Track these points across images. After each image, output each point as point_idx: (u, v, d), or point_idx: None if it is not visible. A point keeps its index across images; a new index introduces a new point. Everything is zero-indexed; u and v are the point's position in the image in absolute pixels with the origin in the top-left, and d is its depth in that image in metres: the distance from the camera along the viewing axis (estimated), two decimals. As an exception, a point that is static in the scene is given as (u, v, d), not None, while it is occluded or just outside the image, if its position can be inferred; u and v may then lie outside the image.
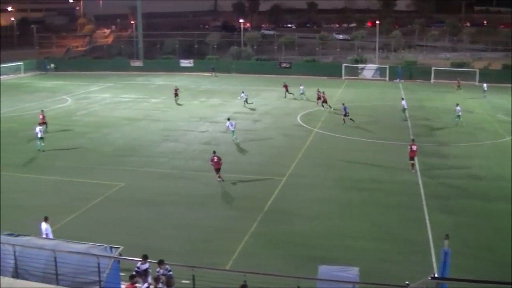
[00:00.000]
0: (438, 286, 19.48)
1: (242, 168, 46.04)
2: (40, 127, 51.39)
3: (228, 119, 56.92)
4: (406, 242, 31.76)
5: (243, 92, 75.41)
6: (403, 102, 67.79)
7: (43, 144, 50.77)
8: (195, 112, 70.41)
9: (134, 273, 22.55)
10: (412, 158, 45.86)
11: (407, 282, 19.45)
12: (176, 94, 77.39)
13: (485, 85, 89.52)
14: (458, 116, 64.66)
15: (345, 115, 63.60)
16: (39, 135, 50.69)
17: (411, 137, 52.45)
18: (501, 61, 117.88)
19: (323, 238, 31.99)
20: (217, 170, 42.59)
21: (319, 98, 73.88)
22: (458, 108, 64.88)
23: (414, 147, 45.86)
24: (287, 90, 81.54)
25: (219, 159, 42.66)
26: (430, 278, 18.18)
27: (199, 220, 34.47)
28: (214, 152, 43.58)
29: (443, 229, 28.11)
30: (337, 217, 35.49)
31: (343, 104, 66.17)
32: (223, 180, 42.37)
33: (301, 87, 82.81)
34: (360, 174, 44.54)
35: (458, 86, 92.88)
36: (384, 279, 24.00)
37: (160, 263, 22.73)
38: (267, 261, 28.59)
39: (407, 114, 66.94)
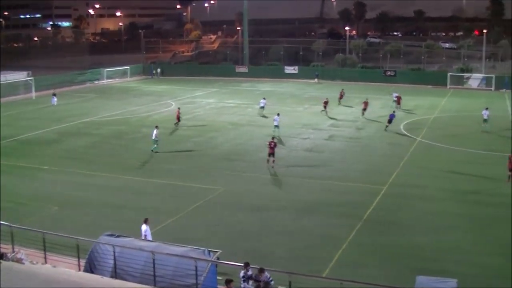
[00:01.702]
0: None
1: (343, 175, 46.06)
2: (157, 130, 52.35)
3: (278, 114, 61.15)
4: (505, 254, 30.69)
5: (264, 98, 75.63)
6: (484, 112, 65.58)
7: (156, 146, 51.89)
8: (299, 119, 70.62)
9: (229, 278, 22.68)
10: (511, 170, 44.50)
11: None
12: (325, 106, 75.03)
13: None
14: (485, 120, 63.90)
15: (389, 122, 64.17)
16: (153, 137, 52.02)
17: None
18: None
19: (420, 249, 31.64)
20: (271, 154, 47.61)
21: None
22: (485, 112, 64.32)
23: (513, 159, 44.56)
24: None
25: (275, 144, 48.05)
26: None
27: (298, 227, 34.62)
28: (273, 138, 49.93)
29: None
30: (439, 229, 34.94)
31: (393, 112, 68.03)
32: (272, 167, 47.15)
33: (394, 94, 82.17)
34: (464, 186, 43.71)
35: None
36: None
37: (261, 271, 22.75)
38: (365, 270, 28.48)
39: (487, 125, 64.82)
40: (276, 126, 60.08)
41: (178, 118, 64.52)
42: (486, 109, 65.68)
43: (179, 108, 66.94)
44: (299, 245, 31.77)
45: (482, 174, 46.87)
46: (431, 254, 30.79)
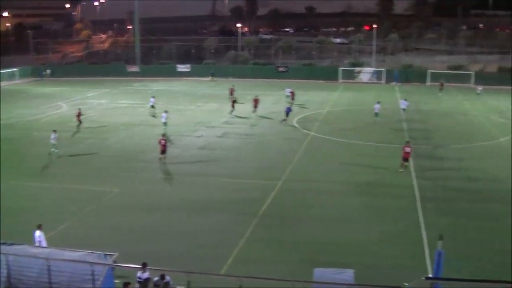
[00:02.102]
0: (432, 286, 19.52)
1: (238, 172, 46.08)
2: (55, 134, 51.18)
3: (165, 111, 62.46)
4: (402, 244, 31.88)
5: (153, 97, 74.93)
6: (376, 106, 67.87)
7: (54, 150, 50.81)
8: (192, 117, 70.42)
9: (127, 281, 22.55)
10: (405, 160, 46.07)
11: (405, 284, 19.52)
12: (232, 105, 73.35)
13: (480, 88, 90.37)
14: (376, 114, 67.24)
15: (287, 115, 66.07)
16: (52, 141, 50.80)
17: (406, 139, 52.48)
18: (497, 63, 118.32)
19: (318, 242, 31.98)
20: (163, 151, 48.63)
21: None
22: (377, 106, 67.38)
23: (408, 149, 46.12)
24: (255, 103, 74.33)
25: (166, 141, 49.22)
26: (424, 279, 18.24)
27: (195, 226, 34.41)
28: (163, 135, 50.37)
29: (438, 230, 28.15)
30: (336, 221, 35.46)
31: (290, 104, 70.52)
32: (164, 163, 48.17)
33: (288, 90, 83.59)
34: (359, 178, 44.49)
35: (441, 89, 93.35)
36: (380, 281, 24.10)
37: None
38: (263, 265, 28.56)
39: (378, 118, 67.33)
40: (164, 123, 60.30)
41: (79, 120, 63.75)
42: (378, 103, 67.56)
43: (79, 109, 65.53)
44: (196, 244, 31.47)
45: (376, 165, 47.95)
46: (329, 247, 31.15)
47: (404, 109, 71.80)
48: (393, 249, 31.10)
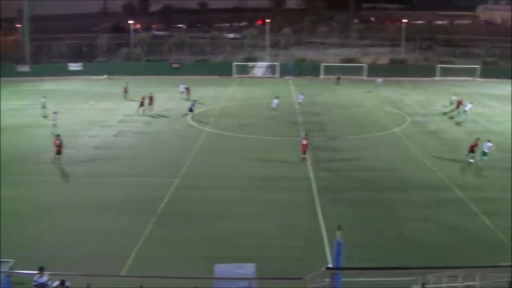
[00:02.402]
0: (332, 276, 19.74)
1: (135, 171, 45.38)
2: None
3: (55, 112, 61.10)
4: (302, 236, 32.14)
5: (44, 97, 72.33)
6: (274, 101, 68.40)
7: None
8: (86, 116, 69.09)
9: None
10: (303, 152, 46.61)
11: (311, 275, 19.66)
12: (141, 103, 70.94)
13: (379, 79, 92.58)
14: (274, 109, 67.39)
15: (190, 110, 66.95)
16: None
17: (303, 132, 53.05)
18: (388, 55, 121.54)
19: (219, 238, 31.84)
20: (58, 152, 47.37)
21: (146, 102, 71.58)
22: (275, 101, 67.95)
23: (304, 142, 46.76)
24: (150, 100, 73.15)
25: (61, 142, 47.50)
26: (324, 269, 18.42)
27: (93, 227, 33.64)
28: (58, 136, 48.11)
29: (336, 221, 28.58)
30: (236, 216, 35.47)
31: (193, 100, 70.58)
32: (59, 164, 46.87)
33: (182, 86, 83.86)
34: (258, 172, 44.69)
35: (338, 82, 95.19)
36: (282, 274, 24.27)
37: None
38: (164, 264, 28.19)
39: (276, 113, 67.83)
40: (53, 125, 59.02)
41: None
42: (277, 98, 68.00)
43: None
44: (95, 245, 30.68)
45: (274, 159, 48.25)
46: (230, 242, 31.08)
47: (300, 103, 72.63)
48: (293, 241, 31.30)
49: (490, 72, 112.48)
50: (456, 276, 15.65)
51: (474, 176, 45.00)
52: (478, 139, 49.33)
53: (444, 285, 15.67)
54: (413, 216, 35.52)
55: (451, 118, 69.27)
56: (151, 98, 71.18)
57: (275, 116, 66.24)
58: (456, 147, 53.88)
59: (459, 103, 70.76)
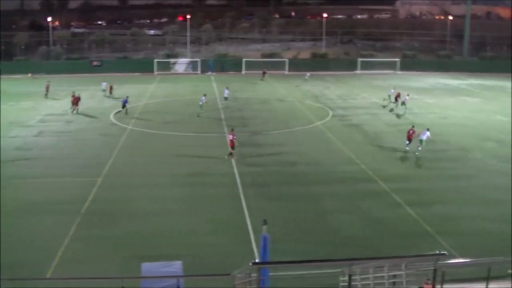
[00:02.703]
0: (259, 271, 19.72)
1: (56, 171, 44.34)
2: None
3: None
4: (228, 232, 32.11)
5: None
6: (203, 98, 67.53)
7: None
8: (5, 117, 67.29)
9: None
10: (232, 147, 46.71)
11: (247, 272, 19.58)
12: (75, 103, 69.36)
13: (307, 74, 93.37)
14: (201, 106, 67.15)
15: (123, 107, 66.60)
16: None
17: (226, 128, 53.02)
18: (310, 50, 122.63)
19: (145, 237, 31.48)
20: None
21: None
22: (203, 98, 67.28)
23: (230, 137, 46.76)
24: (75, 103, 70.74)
25: None
26: (251, 264, 18.37)
27: (15, 230, 32.62)
28: None
29: (262, 215, 28.57)
30: (162, 214, 35.06)
31: (127, 96, 68.80)
32: None
33: (104, 84, 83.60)
34: (182, 169, 44.38)
35: (263, 77, 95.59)
36: (209, 270, 24.17)
37: None
38: (90, 264, 27.61)
39: (202, 110, 67.23)
40: None
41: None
42: (204, 95, 67.60)
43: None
44: (19, 248, 29.74)
45: (197, 155, 48.11)
46: (156, 241, 30.80)
47: (226, 98, 72.44)
48: (219, 238, 31.20)
49: (409, 65, 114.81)
50: (382, 267, 15.82)
51: (397, 168, 45.74)
52: (413, 126, 51.52)
53: (370, 275, 15.82)
54: (337, 209, 35.90)
55: (391, 110, 70.91)
56: (75, 97, 69.73)
57: (200, 113, 65.85)
58: (378, 139, 54.81)
59: (398, 96, 72.07)
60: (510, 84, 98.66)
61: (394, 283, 16.13)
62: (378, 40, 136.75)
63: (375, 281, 15.68)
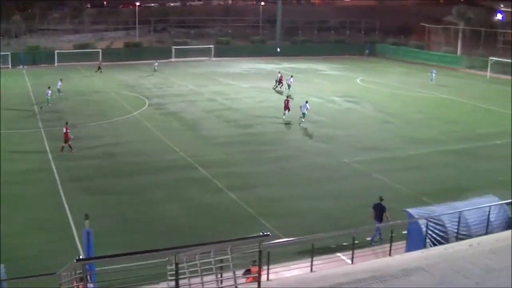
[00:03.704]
0: (85, 267, 19.40)
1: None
2: None
3: None
4: (50, 230, 31.34)
5: None
6: (47, 92, 65.16)
7: None
8: None
9: None
10: (65, 141, 45.48)
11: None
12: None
13: (156, 63, 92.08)
14: (289, 86, 73.19)
15: None
16: None
17: (41, 123, 51.46)
18: (123, 39, 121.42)
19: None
20: None
21: None
22: (48, 91, 65.41)
23: (64, 130, 45.85)
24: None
25: None
26: (75, 261, 18.03)
27: None
28: None
29: (84, 210, 27.99)
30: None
31: None
32: None
33: None
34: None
35: (99, 68, 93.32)
36: (34, 271, 23.48)
37: None
38: None
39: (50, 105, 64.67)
40: None
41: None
42: (49, 88, 65.21)
43: None
44: None
45: (10, 151, 45.93)
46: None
47: (59, 89, 69.30)
48: (42, 237, 30.33)
49: (223, 51, 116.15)
50: (209, 252, 16.03)
51: (217, 153, 46.32)
52: (288, 96, 59.73)
53: (197, 262, 15.98)
54: (161, 198, 35.99)
55: (280, 93, 73.21)
56: None
57: (43, 105, 63.36)
58: (196, 125, 55.30)
59: (281, 79, 76.19)
60: (321, 66, 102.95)
61: (221, 267, 16.37)
62: (192, 27, 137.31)
63: (202, 267, 15.86)
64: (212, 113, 60.57)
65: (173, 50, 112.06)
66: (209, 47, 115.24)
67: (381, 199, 30.07)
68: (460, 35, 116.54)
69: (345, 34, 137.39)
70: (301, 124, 55.23)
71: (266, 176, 40.65)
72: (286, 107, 58.07)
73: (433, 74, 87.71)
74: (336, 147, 48.61)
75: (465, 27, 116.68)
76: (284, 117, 57.39)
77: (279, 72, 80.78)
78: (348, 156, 45.46)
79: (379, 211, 29.48)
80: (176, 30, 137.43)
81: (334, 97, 69.18)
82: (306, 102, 56.36)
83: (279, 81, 76.63)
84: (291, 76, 76.17)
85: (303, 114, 55.34)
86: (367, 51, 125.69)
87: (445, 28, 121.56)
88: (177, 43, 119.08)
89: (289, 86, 73.50)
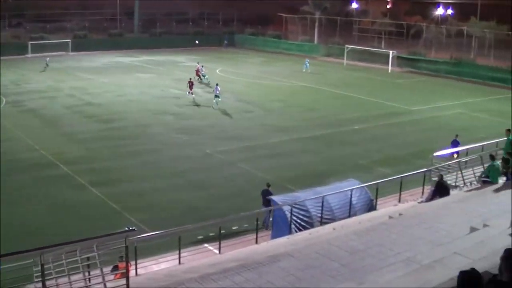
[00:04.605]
0: None
1: None
2: None
3: None
4: None
5: None
6: None
7: None
8: None
9: None
10: None
11: None
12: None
13: (48, 58, 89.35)
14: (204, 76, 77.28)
15: None
16: None
17: None
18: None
19: None
20: None
21: None
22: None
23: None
24: None
25: None
26: None
27: None
28: None
29: None
30: None
31: None
32: None
33: None
34: None
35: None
36: None
37: None
38: None
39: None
40: None
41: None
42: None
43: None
44: None
45: None
46: None
47: None
48: None
49: (81, 45, 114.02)
50: (75, 251, 15.86)
51: (79, 150, 45.48)
52: (191, 78, 64.74)
53: (63, 261, 15.79)
54: (22, 200, 34.63)
55: (208, 84, 74.48)
56: None
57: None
58: (57, 122, 54.14)
59: (198, 71, 77.30)
60: (180, 58, 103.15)
61: (88, 265, 16.26)
62: (49, 21, 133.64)
63: (69, 267, 15.68)
64: (72, 109, 59.44)
65: (29, 46, 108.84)
66: (67, 42, 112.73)
67: (268, 185, 30.55)
68: (316, 24, 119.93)
69: (204, 26, 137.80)
70: (214, 107, 59.57)
71: (129, 170, 40.39)
72: (191, 87, 64.30)
73: (307, 63, 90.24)
74: (199, 138, 48.90)
75: (321, 16, 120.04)
76: (192, 96, 63.94)
77: (198, 64, 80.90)
78: (211, 147, 45.85)
79: (267, 197, 29.83)
80: (32, 25, 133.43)
81: (194, 88, 69.49)
82: (217, 84, 60.76)
83: (196, 74, 76.76)
84: (202, 66, 79.54)
85: (216, 96, 59.89)
86: (226, 42, 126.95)
87: (302, 18, 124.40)
88: (33, 38, 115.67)
89: (204, 76, 77.14)
